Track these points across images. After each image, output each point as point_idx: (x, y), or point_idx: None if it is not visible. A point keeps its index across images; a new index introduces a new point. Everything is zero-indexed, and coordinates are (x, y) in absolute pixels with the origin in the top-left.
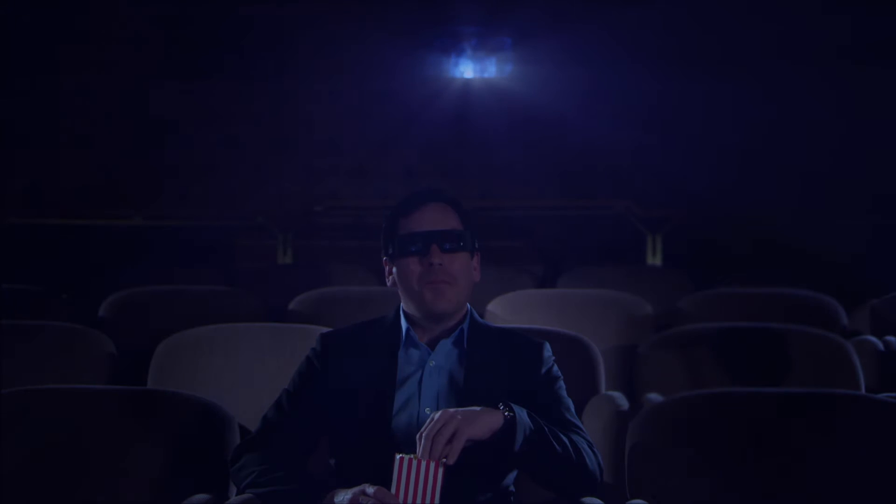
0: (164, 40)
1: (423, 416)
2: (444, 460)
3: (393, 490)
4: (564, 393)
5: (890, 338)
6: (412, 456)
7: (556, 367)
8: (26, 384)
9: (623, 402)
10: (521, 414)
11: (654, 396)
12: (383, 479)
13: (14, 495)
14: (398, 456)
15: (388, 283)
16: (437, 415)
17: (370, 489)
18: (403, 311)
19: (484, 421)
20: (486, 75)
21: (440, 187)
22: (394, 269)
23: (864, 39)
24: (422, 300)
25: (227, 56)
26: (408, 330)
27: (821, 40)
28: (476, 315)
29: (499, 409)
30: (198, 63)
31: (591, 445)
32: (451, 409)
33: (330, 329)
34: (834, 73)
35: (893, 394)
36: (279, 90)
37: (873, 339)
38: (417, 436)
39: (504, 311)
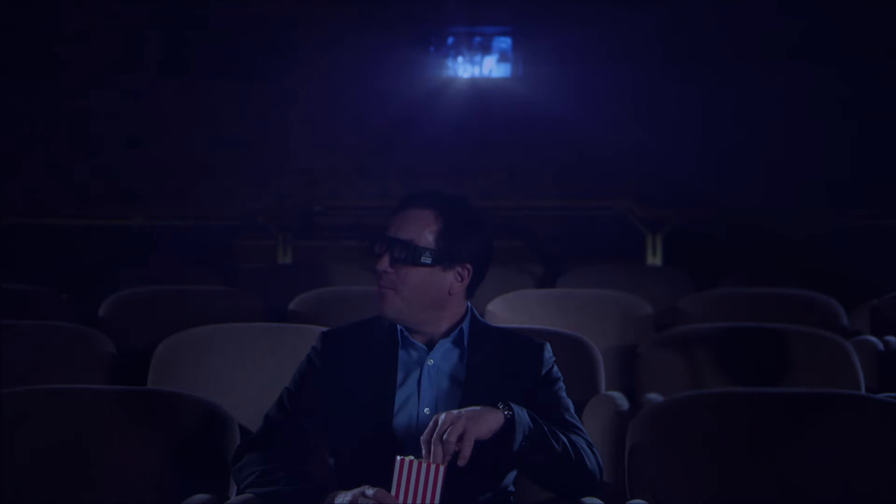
0: (164, 40)
1: (423, 416)
2: (445, 463)
3: (393, 492)
4: (564, 394)
5: (890, 338)
6: (412, 458)
7: (556, 368)
8: (26, 384)
9: (623, 402)
10: (521, 413)
11: (654, 396)
12: (383, 479)
13: (15, 495)
14: (398, 458)
15: None
16: (442, 416)
17: (370, 490)
18: None
19: (486, 420)
20: (486, 75)
21: (437, 190)
22: None
23: (864, 39)
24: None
25: (226, 56)
26: (401, 331)
27: (827, 40)
28: (477, 314)
29: (498, 408)
30: (197, 62)
31: (590, 445)
32: (455, 411)
33: (331, 328)
34: (837, 73)
35: (893, 394)
36: (279, 90)
37: (873, 339)
38: (423, 440)
39: (504, 311)
